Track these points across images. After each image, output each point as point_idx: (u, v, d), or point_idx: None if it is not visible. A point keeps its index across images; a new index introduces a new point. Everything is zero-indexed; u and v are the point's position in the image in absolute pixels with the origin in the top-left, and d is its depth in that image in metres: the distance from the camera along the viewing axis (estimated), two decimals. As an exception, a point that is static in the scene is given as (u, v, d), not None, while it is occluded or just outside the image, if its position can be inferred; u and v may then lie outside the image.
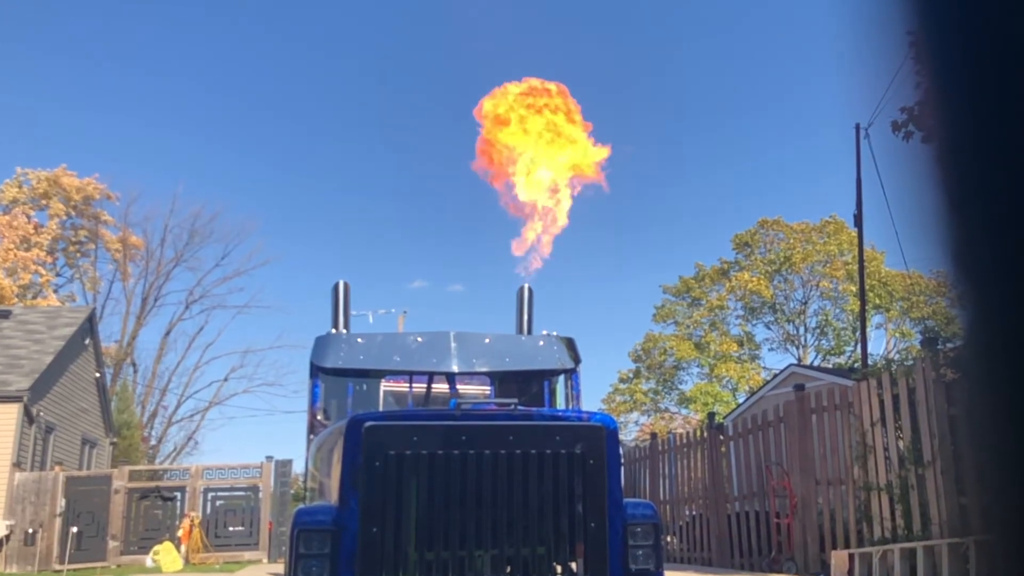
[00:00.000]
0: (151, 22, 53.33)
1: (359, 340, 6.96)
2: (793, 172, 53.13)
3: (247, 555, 16.95)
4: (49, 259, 32.72)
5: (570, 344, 7.20)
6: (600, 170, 8.32)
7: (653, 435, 16.44)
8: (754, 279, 35.15)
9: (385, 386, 7.44)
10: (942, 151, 0.76)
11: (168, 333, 36.46)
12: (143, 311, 35.98)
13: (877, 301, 31.69)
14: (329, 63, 57.83)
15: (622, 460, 9.72)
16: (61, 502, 16.71)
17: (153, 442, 34.14)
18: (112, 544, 16.75)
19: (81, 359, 21.75)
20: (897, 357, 16.02)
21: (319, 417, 6.81)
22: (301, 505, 6.06)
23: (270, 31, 57.03)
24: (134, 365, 35.35)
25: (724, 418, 18.45)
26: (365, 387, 7.33)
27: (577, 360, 7.14)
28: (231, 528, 17.26)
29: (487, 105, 8.42)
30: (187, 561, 16.12)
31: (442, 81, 51.83)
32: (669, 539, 13.12)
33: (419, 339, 6.87)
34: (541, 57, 47.44)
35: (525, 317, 7.74)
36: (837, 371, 21.01)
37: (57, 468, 17.81)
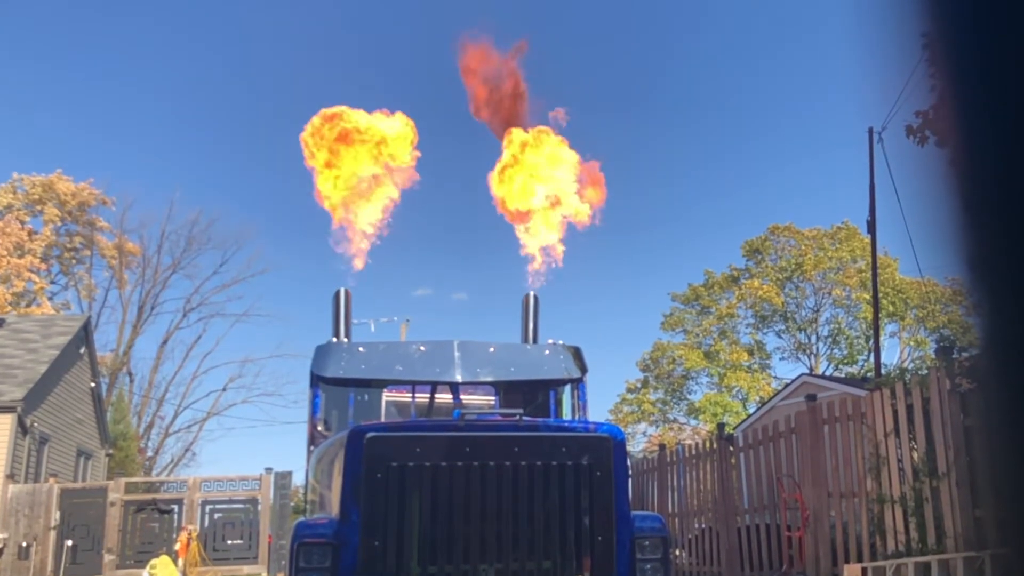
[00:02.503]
0: (148, 28, 53.61)
1: (361, 349, 6.85)
2: (805, 177, 53.07)
3: (246, 569, 16.76)
4: (43, 266, 32.46)
5: (576, 353, 7.07)
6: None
7: (661, 446, 16.27)
8: (765, 287, 34.73)
9: (387, 396, 7.33)
10: (957, 155, 0.76)
11: (165, 342, 36.32)
12: (139, 319, 35.81)
13: (891, 309, 31.36)
14: (329, 65, 57.99)
15: (630, 472, 9.54)
16: (55, 515, 16.54)
17: (150, 453, 33.97)
18: (108, 558, 16.56)
19: (76, 368, 21.59)
20: (911, 366, 15.88)
21: (320, 428, 6.70)
22: (301, 518, 5.95)
23: (268, 35, 57.31)
24: (130, 375, 35.17)
25: (734, 429, 18.26)
26: (367, 397, 7.24)
27: (584, 369, 7.01)
28: (229, 541, 17.06)
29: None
30: (184, 575, 15.93)
31: (444, 84, 52.02)
32: (678, 552, 12.96)
33: (422, 348, 6.76)
34: (551, 59, 47.49)
35: (531, 325, 7.61)
36: (850, 381, 20.84)
37: (51, 480, 17.63)
